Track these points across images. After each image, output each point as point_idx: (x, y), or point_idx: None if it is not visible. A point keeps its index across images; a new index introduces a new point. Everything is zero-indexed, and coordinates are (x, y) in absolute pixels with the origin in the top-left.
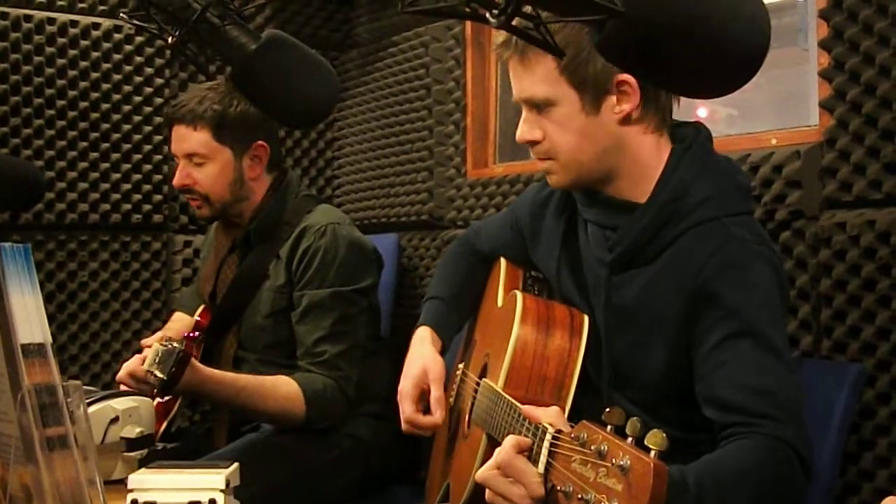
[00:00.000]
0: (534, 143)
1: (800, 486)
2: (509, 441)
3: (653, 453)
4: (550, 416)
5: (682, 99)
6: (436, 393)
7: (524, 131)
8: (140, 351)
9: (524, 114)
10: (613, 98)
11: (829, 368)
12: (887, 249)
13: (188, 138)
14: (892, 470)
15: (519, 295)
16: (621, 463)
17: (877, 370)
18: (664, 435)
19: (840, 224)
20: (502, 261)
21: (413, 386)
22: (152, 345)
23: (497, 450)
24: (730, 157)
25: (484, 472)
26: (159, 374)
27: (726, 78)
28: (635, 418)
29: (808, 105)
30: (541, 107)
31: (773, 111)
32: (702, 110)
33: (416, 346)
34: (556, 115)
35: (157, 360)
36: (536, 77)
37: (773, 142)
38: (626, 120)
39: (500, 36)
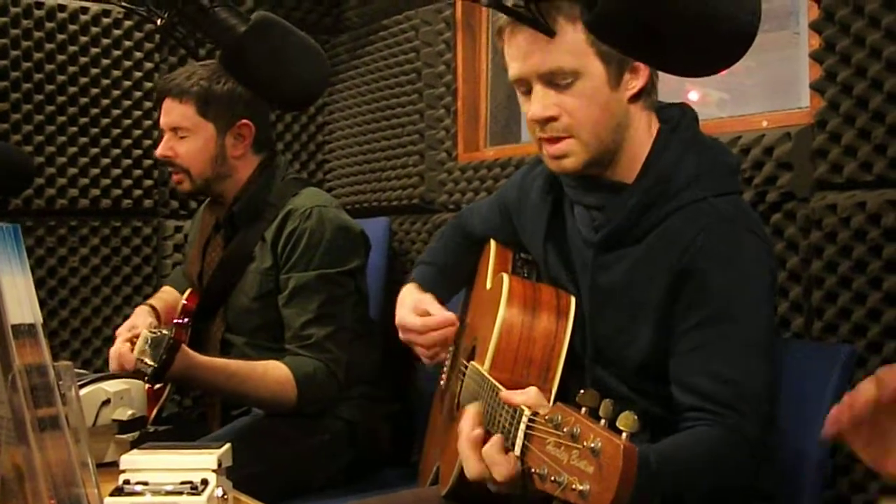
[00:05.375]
0: (549, 120)
1: (748, 480)
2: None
3: (624, 435)
4: (529, 399)
5: (673, 83)
6: (434, 307)
7: (538, 109)
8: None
9: (538, 90)
10: (628, 74)
11: (820, 350)
12: (878, 231)
13: (173, 111)
14: None
15: (505, 277)
16: (592, 445)
17: (868, 351)
18: (636, 417)
19: (831, 206)
20: (492, 243)
21: (410, 311)
22: (142, 332)
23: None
24: (718, 138)
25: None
26: (150, 362)
27: (717, 56)
28: (608, 400)
29: (799, 89)
30: (562, 80)
31: (764, 95)
32: (693, 94)
33: (405, 295)
34: (582, 89)
35: (146, 347)
36: (565, 48)
37: (764, 124)
38: (635, 97)
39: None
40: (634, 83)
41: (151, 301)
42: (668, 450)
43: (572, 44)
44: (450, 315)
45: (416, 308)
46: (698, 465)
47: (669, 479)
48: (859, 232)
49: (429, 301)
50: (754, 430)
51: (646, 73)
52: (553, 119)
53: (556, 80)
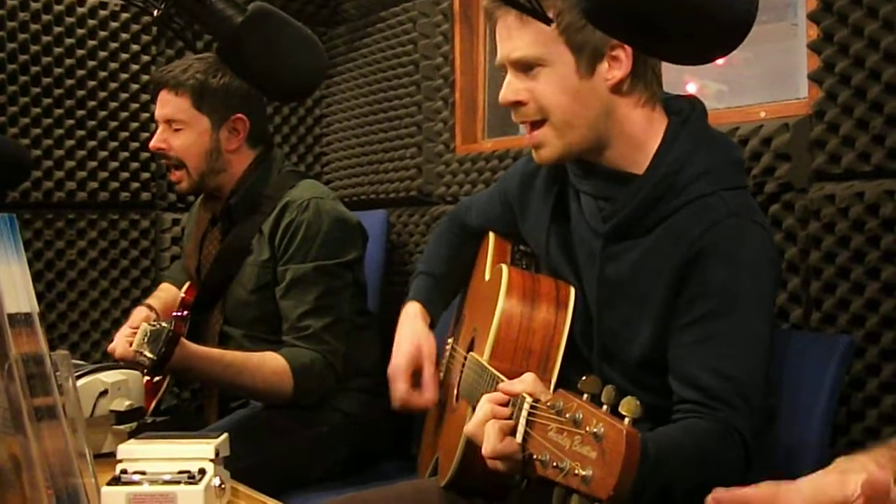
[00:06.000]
0: (518, 105)
1: (738, 474)
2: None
3: (626, 420)
4: (527, 386)
5: (672, 74)
6: (429, 371)
7: (508, 92)
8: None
9: (509, 75)
10: (605, 64)
11: (818, 340)
12: (876, 221)
13: (169, 103)
14: (882, 441)
15: (504, 268)
16: (595, 430)
17: (866, 342)
18: (638, 402)
19: (829, 196)
20: (491, 235)
21: (407, 365)
22: (141, 325)
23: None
24: (722, 131)
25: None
26: (149, 355)
27: (714, 45)
28: (610, 386)
29: (798, 80)
30: (531, 67)
31: (762, 86)
32: (691, 85)
33: (408, 323)
34: (549, 76)
35: (145, 341)
36: (532, 37)
37: (762, 115)
38: (616, 89)
39: None
40: (613, 73)
41: (149, 301)
42: (662, 439)
43: (540, 33)
44: (431, 398)
45: (412, 360)
46: (689, 458)
47: (664, 468)
48: (857, 222)
49: (427, 355)
50: (746, 424)
51: (627, 63)
52: (522, 104)
53: (524, 67)
